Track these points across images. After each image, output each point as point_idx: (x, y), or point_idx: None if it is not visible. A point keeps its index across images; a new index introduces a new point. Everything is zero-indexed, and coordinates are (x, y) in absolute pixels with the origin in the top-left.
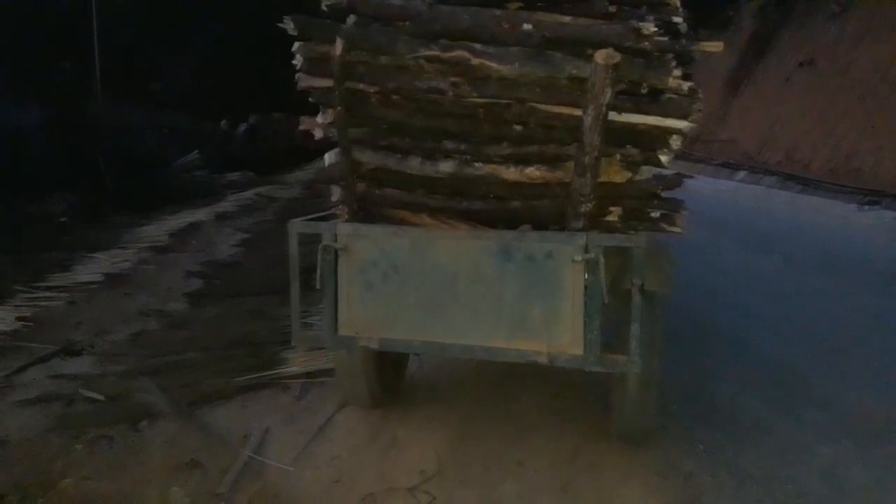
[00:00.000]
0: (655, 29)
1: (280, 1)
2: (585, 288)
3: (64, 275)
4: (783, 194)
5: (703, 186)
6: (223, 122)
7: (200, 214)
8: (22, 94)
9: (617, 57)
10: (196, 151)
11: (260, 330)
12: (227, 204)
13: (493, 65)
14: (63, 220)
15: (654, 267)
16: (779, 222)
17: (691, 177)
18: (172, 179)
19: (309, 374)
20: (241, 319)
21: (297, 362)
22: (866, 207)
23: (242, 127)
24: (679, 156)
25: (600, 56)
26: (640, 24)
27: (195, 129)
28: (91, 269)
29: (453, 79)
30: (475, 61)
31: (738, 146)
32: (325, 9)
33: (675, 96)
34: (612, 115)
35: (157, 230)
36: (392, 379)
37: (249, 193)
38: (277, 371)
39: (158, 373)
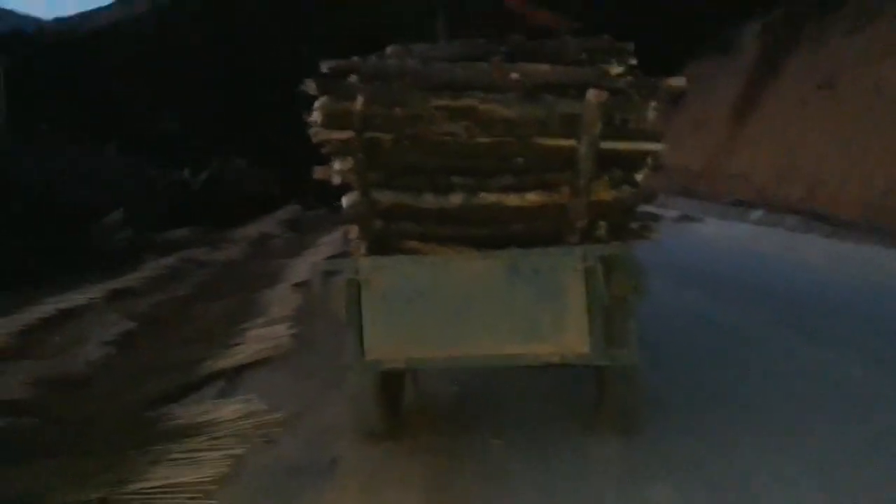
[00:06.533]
0: (621, 69)
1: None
2: (587, 292)
3: None
4: (810, 240)
5: (713, 232)
6: (185, 171)
7: (91, 292)
8: None
9: (605, 95)
10: (121, 209)
11: None
12: (136, 275)
13: (499, 109)
14: None
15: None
16: (825, 286)
17: (700, 219)
18: (94, 241)
19: None
20: None
21: None
22: None
23: (203, 175)
24: (682, 194)
25: (592, 95)
26: (607, 66)
27: (158, 178)
28: None
29: (465, 123)
30: (482, 107)
31: (749, 182)
32: (326, 71)
33: (639, 124)
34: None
35: (10, 323)
36: (395, 407)
37: (172, 259)
38: None
39: None
